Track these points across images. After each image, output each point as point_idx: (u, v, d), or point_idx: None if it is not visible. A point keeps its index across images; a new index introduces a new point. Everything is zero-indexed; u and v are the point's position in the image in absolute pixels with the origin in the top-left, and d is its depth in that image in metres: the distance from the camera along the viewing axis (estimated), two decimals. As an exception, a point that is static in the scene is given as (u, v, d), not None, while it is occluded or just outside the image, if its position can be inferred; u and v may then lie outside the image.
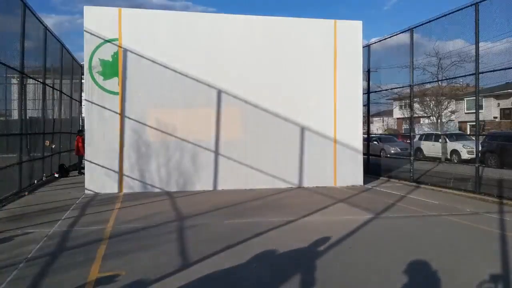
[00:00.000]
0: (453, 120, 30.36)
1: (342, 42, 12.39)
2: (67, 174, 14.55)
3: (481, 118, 16.82)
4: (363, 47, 13.55)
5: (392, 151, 21.95)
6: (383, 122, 43.86)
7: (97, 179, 10.90)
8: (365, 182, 12.61)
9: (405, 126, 37.44)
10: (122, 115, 11.09)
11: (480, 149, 11.26)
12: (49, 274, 4.66)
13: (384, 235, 6.60)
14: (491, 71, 9.96)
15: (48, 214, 7.93)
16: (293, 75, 12.08)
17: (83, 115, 16.40)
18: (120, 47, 11.08)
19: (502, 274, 4.71)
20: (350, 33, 12.46)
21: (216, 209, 8.65)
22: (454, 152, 20.22)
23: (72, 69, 17.53)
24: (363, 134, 13.77)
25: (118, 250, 5.58)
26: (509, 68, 9.47)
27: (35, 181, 11.66)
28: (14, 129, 10.18)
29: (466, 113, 31.86)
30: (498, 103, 33.76)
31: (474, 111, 10.68)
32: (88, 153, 10.98)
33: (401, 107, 26.30)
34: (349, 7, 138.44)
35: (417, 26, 12.25)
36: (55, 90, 14.10)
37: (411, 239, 6.30)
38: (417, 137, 22.06)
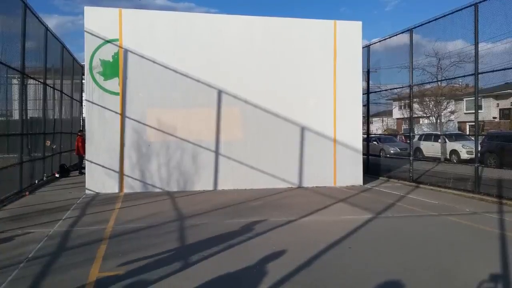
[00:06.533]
0: (453, 120, 30.39)
1: (342, 42, 12.40)
2: (68, 174, 14.57)
3: (480, 118, 16.81)
4: (363, 47, 13.58)
5: (392, 151, 21.99)
6: (382, 122, 43.88)
7: (98, 179, 10.93)
8: (364, 182, 12.63)
9: (404, 126, 37.50)
10: (123, 115, 11.11)
11: (479, 149, 11.27)
12: (49, 274, 4.68)
13: (384, 234, 6.62)
14: (490, 71, 9.98)
15: (49, 214, 7.95)
16: (293, 75, 12.09)
17: (83, 115, 16.45)
18: (121, 47, 11.10)
19: (502, 274, 4.73)
20: (350, 34, 12.48)
21: (216, 209, 8.68)
22: (454, 152, 20.26)
23: (73, 70, 17.55)
24: (363, 134, 13.79)
25: (118, 250, 5.59)
26: (508, 69, 9.49)
27: (36, 181, 11.67)
28: (15, 129, 10.19)
29: (465, 113, 31.91)
30: (497, 103, 33.81)
31: (474, 111, 10.70)
32: (89, 153, 11.00)
33: (400, 107, 26.37)
34: (350, 7, 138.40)
35: (416, 27, 12.26)
36: (55, 90, 14.12)
37: (411, 239, 6.32)
38: (417, 137, 22.08)
